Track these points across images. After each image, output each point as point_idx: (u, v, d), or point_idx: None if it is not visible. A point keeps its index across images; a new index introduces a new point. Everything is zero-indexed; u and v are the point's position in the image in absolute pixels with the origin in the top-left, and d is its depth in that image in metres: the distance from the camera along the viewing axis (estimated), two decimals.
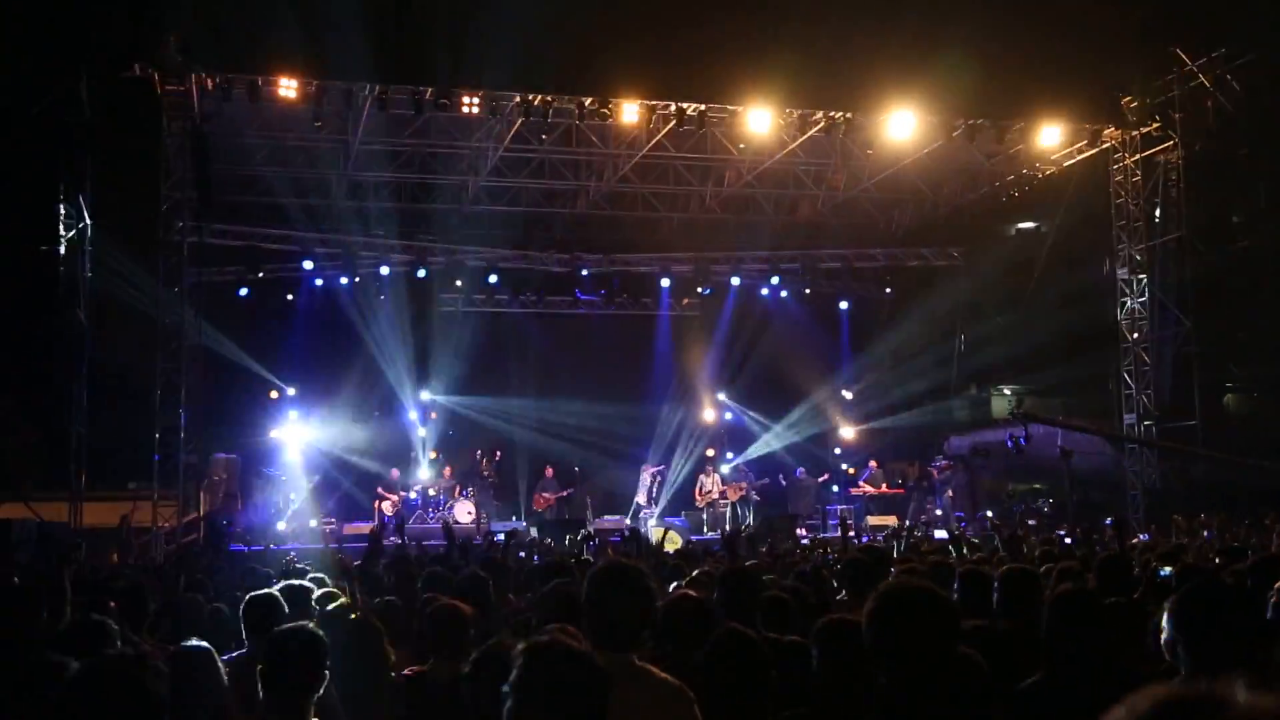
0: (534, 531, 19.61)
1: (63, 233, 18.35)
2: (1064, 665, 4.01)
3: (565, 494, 22.82)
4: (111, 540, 16.15)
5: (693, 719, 3.58)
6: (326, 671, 4.16)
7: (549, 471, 23.32)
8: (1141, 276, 21.44)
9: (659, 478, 23.42)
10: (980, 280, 25.07)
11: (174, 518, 18.12)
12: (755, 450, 25.59)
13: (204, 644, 4.68)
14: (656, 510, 22.81)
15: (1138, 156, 21.19)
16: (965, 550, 10.89)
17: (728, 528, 20.91)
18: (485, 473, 23.00)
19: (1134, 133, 21.03)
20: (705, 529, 22.07)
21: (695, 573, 7.52)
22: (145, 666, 3.25)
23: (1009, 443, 19.70)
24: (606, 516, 22.23)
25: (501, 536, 13.23)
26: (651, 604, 3.85)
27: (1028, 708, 3.93)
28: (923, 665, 3.11)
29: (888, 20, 17.67)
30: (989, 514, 21.24)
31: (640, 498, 23.14)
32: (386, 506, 21.41)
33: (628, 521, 21.54)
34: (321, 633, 4.20)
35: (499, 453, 23.41)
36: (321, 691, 4.04)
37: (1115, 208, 21.71)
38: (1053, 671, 4.03)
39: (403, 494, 22.05)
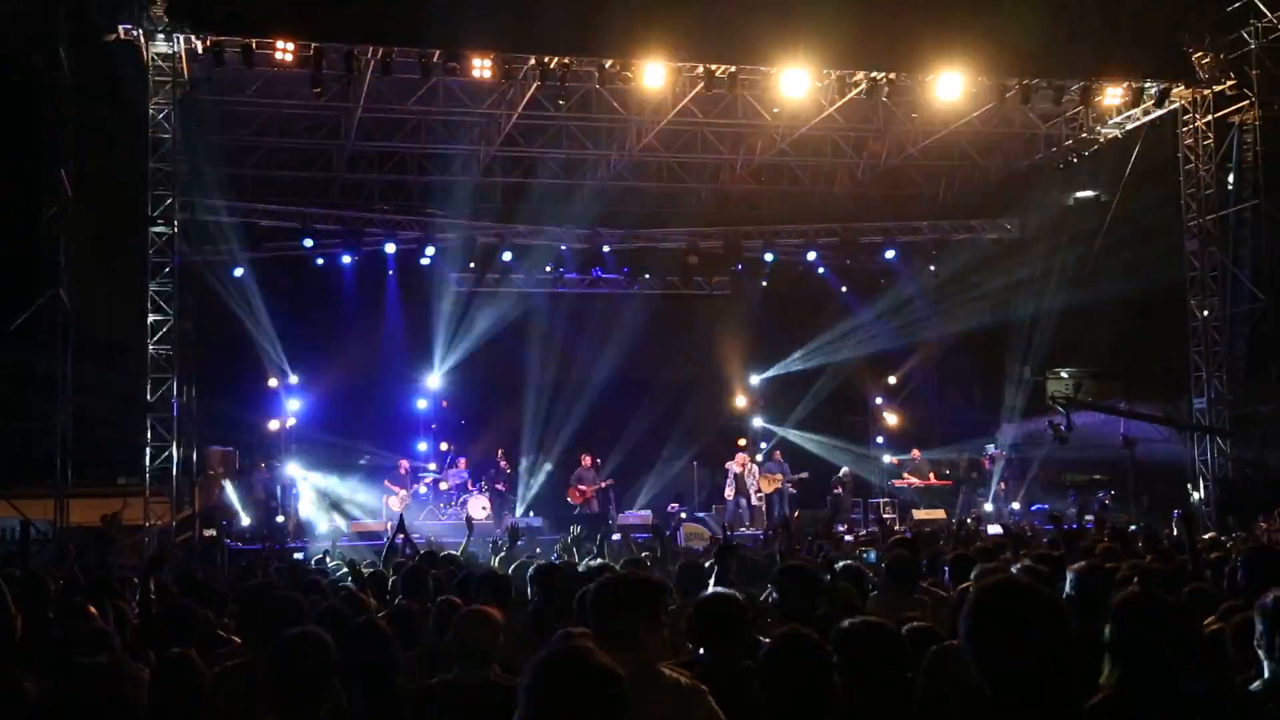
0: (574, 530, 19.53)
1: (44, 208, 18.43)
2: (1136, 678, 3.88)
3: (605, 485, 22.78)
4: (101, 539, 16.23)
5: (710, 712, 3.88)
6: (335, 680, 4.16)
7: (586, 461, 23.04)
8: (1213, 249, 21.15)
9: (754, 469, 23.20)
10: (1035, 255, 24.87)
11: (167, 515, 18.19)
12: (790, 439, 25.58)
13: (188, 652, 4.69)
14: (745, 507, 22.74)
15: (1209, 117, 20.85)
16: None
17: (767, 522, 20.95)
18: (501, 464, 23.01)
19: (1205, 91, 20.68)
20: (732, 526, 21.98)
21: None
22: (124, 678, 3.25)
23: (1048, 430, 19.69)
24: (629, 512, 22.24)
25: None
26: (651, 610, 4.12)
27: None
28: (1032, 670, 3.10)
29: None
30: (1045, 507, 21.16)
31: (730, 491, 22.92)
32: (394, 502, 21.47)
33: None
34: (328, 638, 4.20)
35: (502, 452, 23.35)
36: (331, 699, 4.05)
37: (1184, 174, 21.39)
38: (1123, 686, 3.89)
39: (413, 488, 22.13)
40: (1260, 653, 4.25)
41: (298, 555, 15.97)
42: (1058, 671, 3.13)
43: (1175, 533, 12.70)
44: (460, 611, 5.37)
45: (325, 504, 22.05)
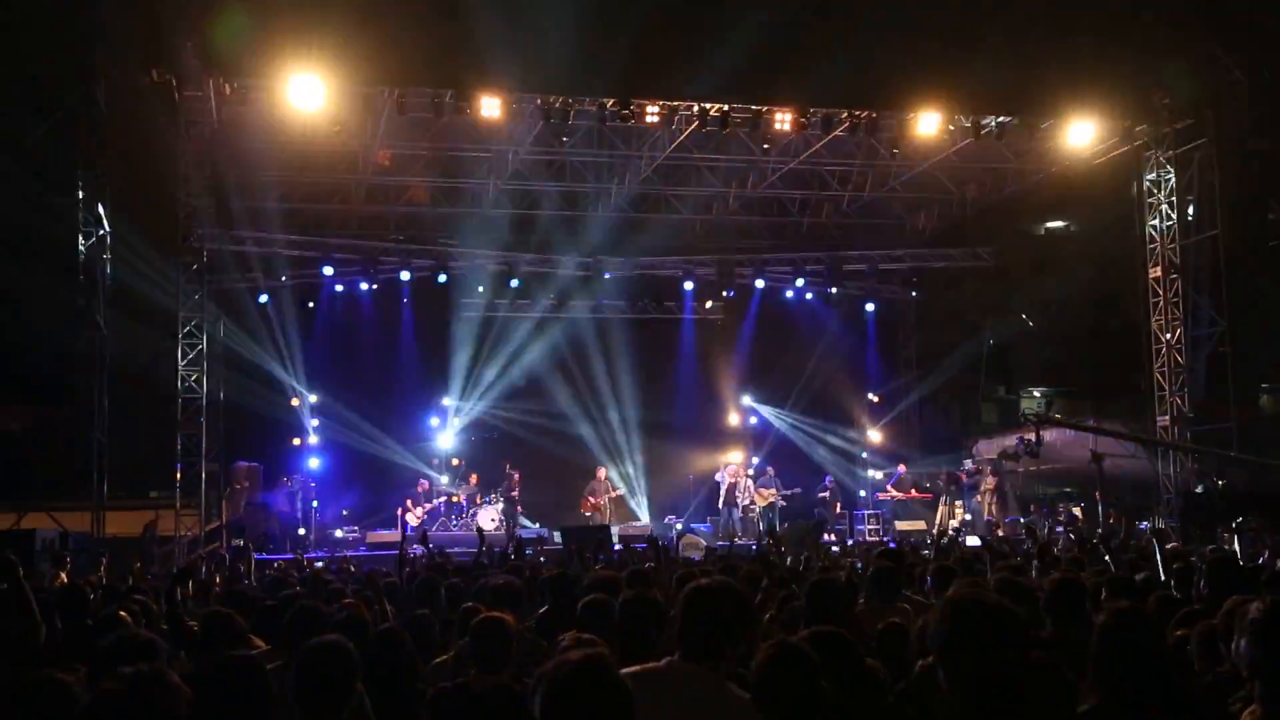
0: (557, 537, 19.56)
1: (81, 240, 18.50)
2: (1125, 689, 3.74)
3: (616, 495, 22.75)
4: (135, 550, 16.25)
5: None
6: (359, 685, 4.17)
7: (600, 473, 23.22)
8: (1175, 276, 21.25)
9: (749, 483, 23.11)
10: (1009, 281, 24.90)
11: (196, 526, 18.21)
12: (781, 455, 25.55)
13: (250, 654, 4.66)
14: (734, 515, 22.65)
15: (1171, 153, 20.99)
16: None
17: (760, 533, 20.90)
18: (513, 476, 22.97)
19: (1167, 129, 20.85)
20: (725, 536, 21.96)
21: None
22: (163, 686, 3.24)
23: (1020, 445, 19.68)
24: (628, 523, 22.21)
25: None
26: (745, 619, 3.99)
27: None
28: (992, 680, 3.11)
29: (913, 17, 17.59)
30: (1020, 519, 21.15)
31: (722, 502, 22.84)
32: (411, 518, 21.46)
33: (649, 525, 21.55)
34: (351, 646, 4.21)
35: (508, 465, 23.31)
36: (354, 704, 4.05)
37: (1148, 205, 21.53)
38: (1111, 697, 3.75)
39: (430, 505, 22.10)
40: (1248, 669, 3.83)
41: (319, 564, 15.95)
42: (1028, 679, 3.13)
43: (1142, 544, 12.76)
44: (475, 619, 5.36)
45: (345, 517, 22.05)
